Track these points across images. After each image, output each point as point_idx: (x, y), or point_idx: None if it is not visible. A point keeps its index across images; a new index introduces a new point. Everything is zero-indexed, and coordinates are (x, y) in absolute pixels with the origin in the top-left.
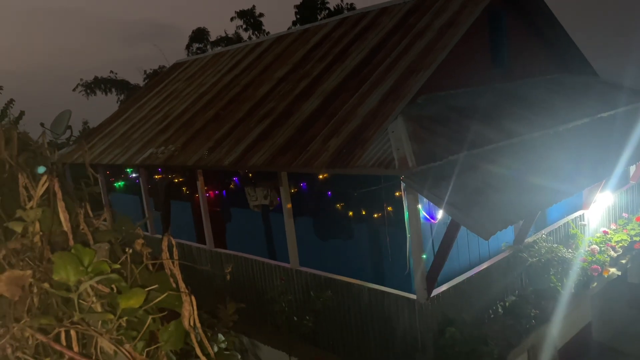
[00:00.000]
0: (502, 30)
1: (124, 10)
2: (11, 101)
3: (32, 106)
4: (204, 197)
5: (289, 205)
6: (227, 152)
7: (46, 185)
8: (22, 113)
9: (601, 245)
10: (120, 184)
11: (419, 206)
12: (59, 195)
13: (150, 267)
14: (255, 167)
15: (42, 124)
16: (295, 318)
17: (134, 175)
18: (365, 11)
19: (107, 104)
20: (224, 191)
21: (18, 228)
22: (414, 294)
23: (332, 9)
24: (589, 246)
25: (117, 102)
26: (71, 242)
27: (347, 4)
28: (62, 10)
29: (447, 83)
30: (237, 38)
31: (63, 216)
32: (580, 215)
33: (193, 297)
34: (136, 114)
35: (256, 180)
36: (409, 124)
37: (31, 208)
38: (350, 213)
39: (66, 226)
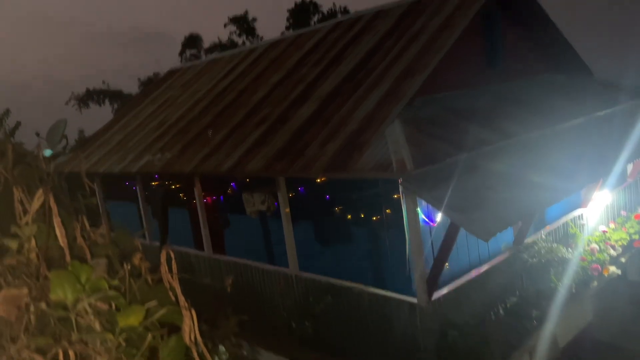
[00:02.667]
0: (496, 31)
1: (117, 18)
2: (7, 112)
3: (28, 116)
4: (201, 204)
5: (287, 210)
6: (224, 158)
7: (42, 199)
8: (18, 124)
9: (600, 244)
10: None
11: (418, 209)
12: (55, 210)
13: (149, 280)
14: (252, 173)
15: (37, 134)
16: (294, 324)
17: (130, 182)
18: (359, 15)
19: (103, 112)
20: (221, 197)
21: (13, 245)
22: (415, 297)
23: (325, 12)
24: (588, 245)
25: (112, 111)
26: (68, 259)
27: (340, 7)
28: (54, 20)
29: (443, 85)
30: (231, 44)
31: (59, 232)
32: (579, 215)
33: (193, 311)
34: (132, 122)
35: (253, 186)
36: (406, 126)
37: (26, 224)
38: (349, 217)
39: (63, 242)
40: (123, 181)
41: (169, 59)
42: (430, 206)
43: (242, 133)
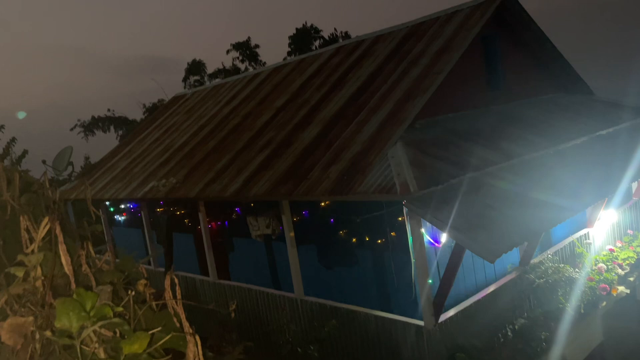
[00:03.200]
0: (496, 53)
1: (122, 46)
2: (13, 140)
3: (34, 144)
4: (206, 229)
5: (292, 234)
6: (228, 183)
7: (48, 227)
8: (24, 152)
9: (608, 264)
10: (121, 218)
11: (423, 231)
12: (61, 238)
13: (154, 306)
14: (256, 197)
15: (44, 162)
16: (300, 349)
17: (134, 208)
18: (360, 39)
19: (108, 138)
20: (226, 222)
21: (20, 273)
22: (421, 320)
23: (326, 37)
24: (595, 265)
25: (116, 138)
26: (73, 286)
27: (341, 32)
28: (61, 48)
29: (445, 107)
30: (234, 70)
31: (65, 260)
32: (585, 234)
33: (197, 337)
34: (137, 148)
35: (258, 210)
36: (409, 148)
37: (32, 252)
38: (354, 240)
39: (68, 270)
40: (128, 207)
41: (173, 85)
42: (434, 228)
43: (247, 157)
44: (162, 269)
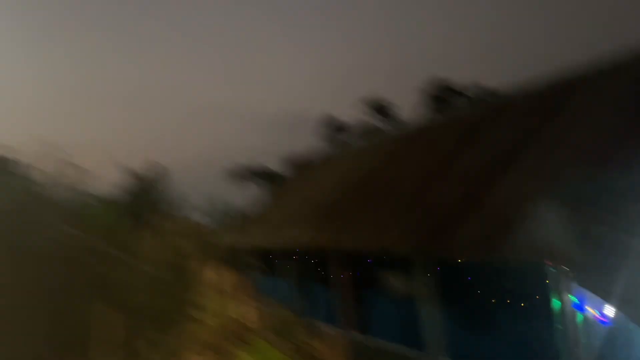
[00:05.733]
0: None
1: (268, 103)
2: (181, 195)
3: (190, 194)
4: (342, 280)
5: (428, 291)
6: (370, 236)
7: (223, 274)
8: (196, 207)
9: None
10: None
11: (579, 300)
12: (243, 288)
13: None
14: (394, 251)
15: (205, 214)
16: None
17: (282, 259)
18: (510, 94)
19: (255, 191)
20: (363, 274)
21: (198, 315)
22: None
23: (466, 94)
24: None
25: (263, 190)
26: (250, 335)
27: (484, 86)
28: (214, 106)
29: (604, 163)
30: (373, 128)
31: (240, 307)
32: None
33: None
34: (283, 200)
35: (396, 264)
36: (566, 209)
37: (209, 297)
38: (495, 301)
39: (248, 320)
40: (276, 256)
41: (309, 140)
42: (590, 296)
43: (390, 212)
44: (308, 319)
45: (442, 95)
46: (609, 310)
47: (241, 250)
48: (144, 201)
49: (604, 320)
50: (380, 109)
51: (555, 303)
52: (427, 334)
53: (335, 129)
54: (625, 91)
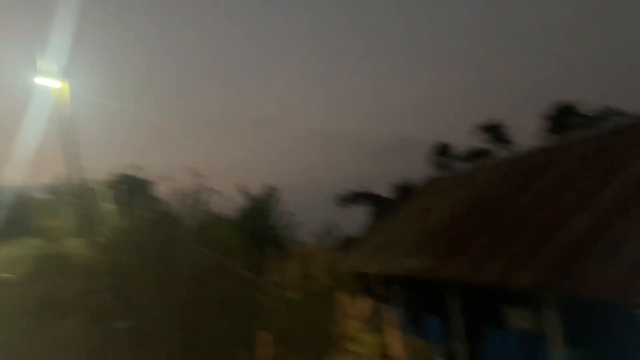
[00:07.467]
0: None
1: (368, 127)
2: (293, 219)
3: (300, 217)
4: (458, 314)
5: (558, 332)
6: (486, 267)
7: (368, 305)
8: (300, 225)
9: None
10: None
11: None
12: (392, 321)
13: None
14: (519, 286)
15: (314, 235)
16: None
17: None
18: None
19: (360, 215)
20: (483, 309)
21: (354, 349)
22: None
23: (591, 115)
24: None
25: (367, 213)
26: None
27: (610, 108)
28: (322, 133)
29: None
30: (483, 151)
31: (394, 342)
32: None
33: None
34: (392, 226)
35: (519, 300)
36: None
37: (362, 329)
38: (624, 346)
39: (393, 349)
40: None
41: (418, 166)
42: None
43: (507, 241)
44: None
45: (563, 117)
46: None
47: (369, 277)
48: (267, 224)
49: None
50: (496, 132)
51: None
52: None
53: (447, 154)
54: None
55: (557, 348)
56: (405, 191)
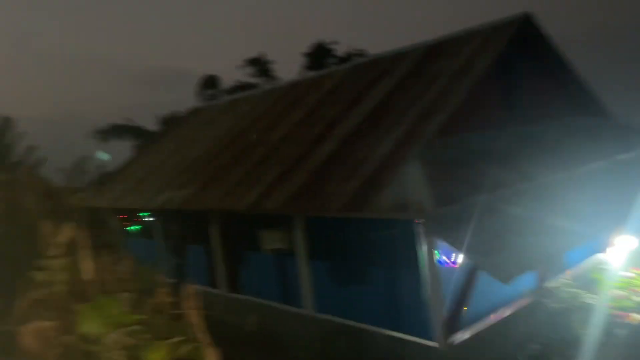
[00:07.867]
0: (516, 74)
1: (136, 56)
2: (32, 148)
3: (51, 152)
4: (218, 241)
5: (304, 249)
6: (243, 196)
7: (69, 233)
8: (44, 160)
9: (625, 290)
10: (135, 227)
11: (437, 250)
12: (84, 245)
13: (172, 316)
14: (270, 211)
15: (63, 170)
16: None
17: (149, 218)
18: (378, 57)
19: (123, 148)
20: (239, 234)
21: (42, 277)
22: (434, 341)
23: (342, 55)
24: (611, 291)
25: (131, 147)
26: (95, 293)
27: (356, 49)
28: (83, 58)
29: (463, 126)
30: (249, 85)
31: (87, 266)
32: (601, 260)
33: (216, 349)
34: (153, 158)
35: (271, 224)
36: (425, 167)
37: (54, 257)
38: (367, 256)
39: (90, 276)
40: (141, 218)
41: (187, 98)
42: (449, 247)
43: (262, 171)
44: (174, 280)
45: (318, 56)
46: (460, 258)
47: (102, 210)
48: None
49: (452, 265)
50: (261, 66)
51: (417, 254)
52: (304, 291)
53: (215, 87)
54: (483, 58)
55: (303, 262)
56: (171, 123)
